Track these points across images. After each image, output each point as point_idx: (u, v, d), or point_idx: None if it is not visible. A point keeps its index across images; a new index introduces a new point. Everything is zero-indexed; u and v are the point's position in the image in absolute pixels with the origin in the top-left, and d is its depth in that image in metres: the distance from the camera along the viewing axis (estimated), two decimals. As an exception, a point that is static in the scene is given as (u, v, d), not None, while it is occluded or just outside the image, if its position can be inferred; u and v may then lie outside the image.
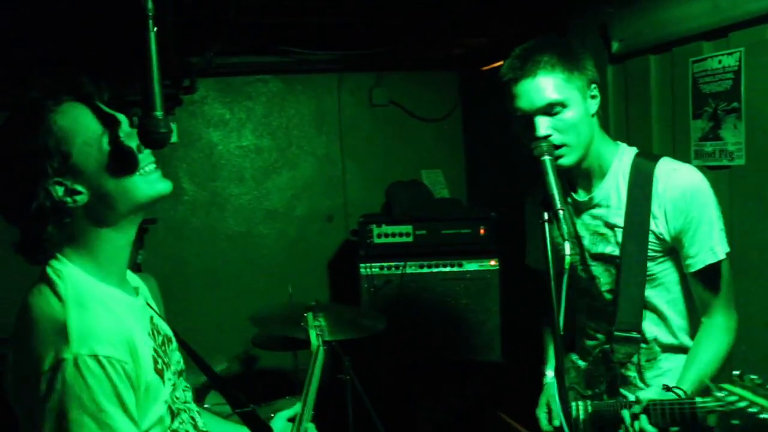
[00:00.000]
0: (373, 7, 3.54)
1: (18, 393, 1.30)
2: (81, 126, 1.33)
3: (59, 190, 1.31)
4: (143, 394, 1.33)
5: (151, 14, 1.24)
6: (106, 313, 1.31)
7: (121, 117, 1.40)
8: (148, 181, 1.39)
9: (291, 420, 1.93)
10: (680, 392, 1.77)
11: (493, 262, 3.82)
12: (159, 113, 1.27)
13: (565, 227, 1.63)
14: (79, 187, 1.33)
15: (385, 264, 3.87)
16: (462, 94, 5.03)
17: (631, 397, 1.88)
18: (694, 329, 1.96)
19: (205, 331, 4.35)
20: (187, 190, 4.67)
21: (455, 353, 3.88)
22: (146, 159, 1.39)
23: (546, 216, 1.67)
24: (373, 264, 3.87)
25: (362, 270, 3.88)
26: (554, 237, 1.74)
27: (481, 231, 3.88)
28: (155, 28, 1.25)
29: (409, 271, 3.86)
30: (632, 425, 1.72)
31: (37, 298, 1.31)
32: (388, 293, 3.85)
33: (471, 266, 3.86)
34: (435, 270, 3.86)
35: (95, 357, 1.23)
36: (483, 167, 4.90)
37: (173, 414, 1.44)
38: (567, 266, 1.62)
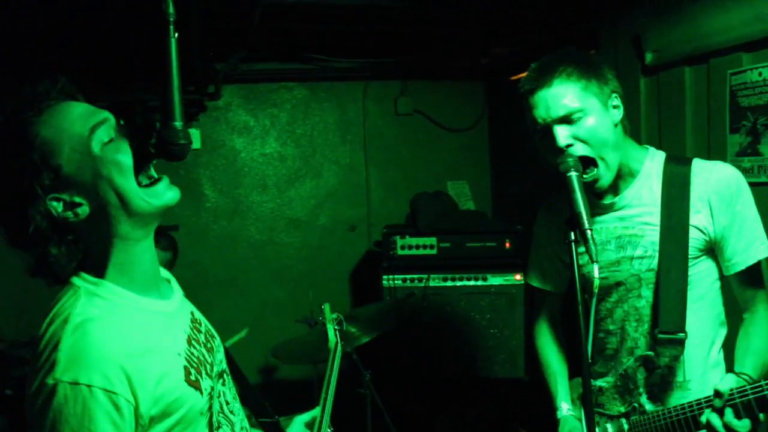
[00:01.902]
0: (399, 15, 3.49)
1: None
2: (66, 132, 1.23)
3: (58, 207, 1.23)
4: (172, 412, 1.26)
5: (172, 20, 1.19)
6: (109, 334, 1.22)
7: (108, 114, 1.30)
8: (151, 193, 1.28)
9: (309, 425, 1.85)
10: (746, 378, 1.71)
11: (518, 277, 3.74)
12: (179, 123, 1.20)
13: (593, 248, 1.56)
14: (79, 199, 1.24)
15: (408, 276, 3.81)
16: (489, 104, 4.96)
17: (676, 402, 1.81)
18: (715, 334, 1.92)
19: (224, 339, 4.30)
20: (209, 197, 4.65)
21: (477, 368, 3.81)
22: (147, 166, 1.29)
23: (573, 236, 1.61)
24: (395, 276, 3.81)
25: (385, 282, 3.82)
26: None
27: (507, 244, 3.81)
28: (176, 34, 1.19)
29: (432, 284, 3.79)
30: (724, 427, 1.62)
31: (50, 316, 1.24)
32: (411, 306, 3.78)
33: (495, 280, 3.78)
34: (459, 283, 3.79)
35: (76, 385, 1.15)
36: (509, 179, 4.82)
37: (212, 427, 1.37)
38: (596, 290, 1.56)
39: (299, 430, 1.84)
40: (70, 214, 1.24)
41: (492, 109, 4.94)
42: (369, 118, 4.83)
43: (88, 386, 1.15)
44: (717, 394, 1.64)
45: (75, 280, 1.28)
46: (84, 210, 1.25)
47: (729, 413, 1.61)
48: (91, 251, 1.30)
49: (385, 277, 3.82)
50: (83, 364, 1.16)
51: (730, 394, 1.62)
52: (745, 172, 2.50)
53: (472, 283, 3.79)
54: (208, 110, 4.57)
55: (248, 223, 4.72)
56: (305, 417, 1.86)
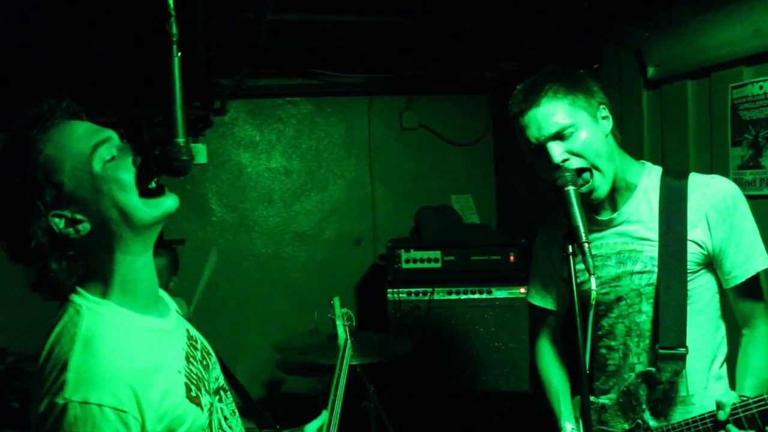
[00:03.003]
0: (404, 30, 3.52)
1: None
2: (68, 150, 1.25)
3: (60, 223, 1.24)
4: (175, 429, 1.27)
5: (175, 39, 1.21)
6: (116, 353, 1.23)
7: (111, 132, 1.31)
8: (152, 203, 1.28)
9: (319, 430, 1.83)
10: (744, 398, 1.69)
11: (522, 290, 3.73)
12: (181, 140, 1.22)
13: (590, 261, 1.57)
14: (80, 216, 1.25)
15: (412, 289, 3.82)
16: (493, 118, 4.98)
17: (680, 417, 1.80)
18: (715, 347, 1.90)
19: (230, 353, 4.32)
20: (215, 212, 4.67)
21: (482, 382, 3.80)
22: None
23: (570, 249, 1.61)
24: (400, 289, 3.82)
25: (389, 295, 3.83)
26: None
27: (511, 258, 3.82)
28: (179, 53, 1.21)
29: (436, 297, 3.80)
30: None
31: (54, 335, 1.25)
32: (415, 319, 3.79)
33: (500, 293, 3.79)
34: (463, 297, 3.80)
35: (86, 404, 1.15)
36: (514, 193, 4.83)
37: None
38: (593, 301, 1.57)
39: None
40: (71, 230, 1.25)
41: (497, 122, 4.96)
42: (374, 133, 4.86)
43: (99, 405, 1.16)
44: (719, 405, 1.65)
45: (75, 298, 1.29)
46: (85, 227, 1.26)
47: (733, 428, 1.61)
48: (94, 267, 1.30)
49: (389, 290, 3.83)
50: (93, 383, 1.17)
51: (733, 409, 1.62)
52: (748, 185, 2.51)
53: (476, 296, 3.79)
54: (215, 125, 4.61)
55: (254, 237, 4.74)
56: (315, 423, 1.85)
